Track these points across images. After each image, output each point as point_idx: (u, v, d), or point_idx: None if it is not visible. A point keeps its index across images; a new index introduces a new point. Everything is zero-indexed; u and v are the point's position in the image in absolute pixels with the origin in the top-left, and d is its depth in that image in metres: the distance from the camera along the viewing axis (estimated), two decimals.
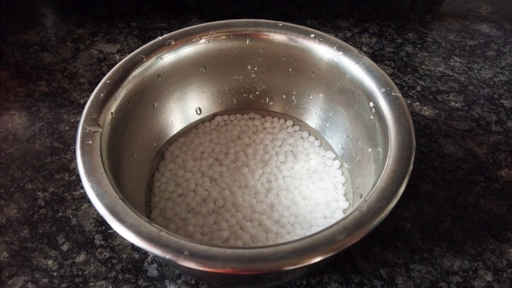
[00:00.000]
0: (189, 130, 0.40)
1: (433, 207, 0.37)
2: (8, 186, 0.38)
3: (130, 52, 0.34)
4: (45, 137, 0.41)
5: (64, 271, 0.33)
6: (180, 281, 0.32)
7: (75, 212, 0.36)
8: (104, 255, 0.33)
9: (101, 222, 0.35)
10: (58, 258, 0.33)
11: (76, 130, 0.30)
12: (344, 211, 0.34)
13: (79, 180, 0.37)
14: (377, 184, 0.26)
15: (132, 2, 0.57)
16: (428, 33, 0.54)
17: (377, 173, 0.29)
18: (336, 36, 0.53)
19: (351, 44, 0.35)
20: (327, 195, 0.35)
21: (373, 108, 0.31)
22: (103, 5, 0.56)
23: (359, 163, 0.34)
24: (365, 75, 0.32)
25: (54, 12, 0.56)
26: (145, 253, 0.34)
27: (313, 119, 0.39)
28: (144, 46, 0.34)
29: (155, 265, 0.33)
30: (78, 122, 0.30)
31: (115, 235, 0.35)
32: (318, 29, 0.47)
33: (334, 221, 0.27)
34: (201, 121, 0.40)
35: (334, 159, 0.37)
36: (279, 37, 0.36)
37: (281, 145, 0.39)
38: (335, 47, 0.34)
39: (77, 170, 0.28)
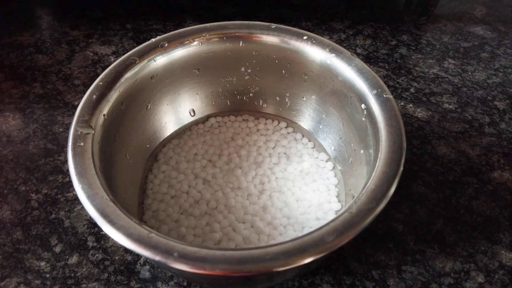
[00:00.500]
0: (183, 131, 0.40)
1: (425, 208, 0.37)
2: (1, 188, 0.38)
3: (125, 54, 0.34)
4: (39, 139, 0.41)
5: (56, 273, 0.33)
6: (172, 282, 0.32)
7: (68, 214, 0.36)
8: (97, 257, 0.34)
9: (94, 224, 0.35)
10: (51, 259, 0.33)
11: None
12: (337, 212, 0.34)
13: (72, 182, 0.37)
14: (367, 185, 0.26)
15: (128, 4, 0.57)
16: (422, 35, 0.54)
17: (368, 175, 0.29)
18: (331, 38, 0.53)
19: (345, 46, 0.35)
20: (320, 196, 0.35)
21: (365, 110, 0.31)
22: (98, 7, 0.56)
23: (351, 164, 0.35)
24: (357, 77, 0.32)
25: (49, 14, 0.56)
26: (137, 255, 0.34)
27: (306, 121, 0.39)
28: (137, 48, 0.35)
29: (147, 267, 0.33)
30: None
31: (107, 237, 0.35)
32: (312, 31, 0.48)
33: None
34: (195, 123, 0.40)
35: (327, 161, 0.37)
36: (272, 39, 0.36)
37: (274, 147, 0.39)
38: (328, 49, 0.34)
39: None
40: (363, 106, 0.32)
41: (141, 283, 0.32)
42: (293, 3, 0.58)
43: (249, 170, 0.37)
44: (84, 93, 0.31)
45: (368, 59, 0.50)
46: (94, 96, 0.31)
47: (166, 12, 0.56)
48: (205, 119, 0.41)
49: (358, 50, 0.51)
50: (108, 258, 0.33)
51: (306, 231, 0.33)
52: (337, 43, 0.35)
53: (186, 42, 0.35)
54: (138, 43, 0.35)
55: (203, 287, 0.32)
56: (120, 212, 0.25)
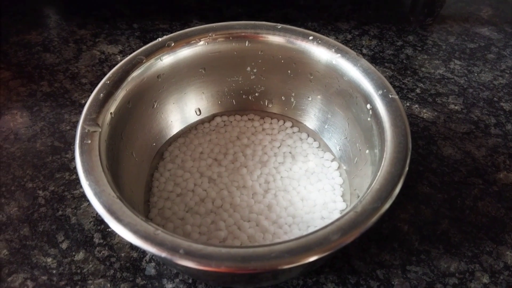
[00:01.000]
0: (189, 130, 0.40)
1: (430, 209, 0.37)
2: (9, 185, 0.38)
3: (132, 53, 0.35)
4: (46, 137, 0.42)
5: (63, 269, 0.33)
6: (177, 280, 0.32)
7: (75, 210, 0.36)
8: (103, 253, 0.34)
9: (100, 221, 0.36)
10: (57, 256, 0.34)
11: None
12: (342, 212, 0.34)
13: (79, 179, 0.37)
14: (372, 185, 0.26)
15: (135, 4, 0.57)
16: (428, 36, 0.54)
17: (374, 175, 0.29)
18: (337, 38, 0.53)
19: (351, 47, 0.35)
20: (325, 196, 0.35)
21: (370, 110, 0.32)
22: (105, 6, 0.57)
23: (356, 164, 0.35)
24: (363, 77, 0.32)
25: (57, 13, 0.56)
26: (143, 252, 0.34)
27: (311, 121, 0.39)
28: (144, 47, 0.35)
29: (153, 263, 0.33)
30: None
31: (113, 234, 0.35)
32: (318, 32, 0.48)
33: None
34: (201, 122, 0.40)
35: (332, 161, 0.37)
36: (277, 39, 0.36)
37: (279, 146, 0.39)
38: (333, 49, 0.34)
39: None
40: (368, 106, 0.32)
41: (147, 280, 0.32)
42: (299, 4, 0.58)
43: (254, 169, 0.37)
44: (91, 92, 0.32)
45: (374, 59, 0.50)
46: (101, 94, 0.31)
47: (172, 12, 0.56)
48: (211, 118, 0.41)
49: (364, 51, 0.51)
50: (114, 255, 0.34)
51: (311, 230, 0.33)
52: (343, 44, 0.35)
53: (193, 41, 0.36)
54: (145, 43, 0.36)
55: (208, 285, 0.32)
56: (127, 209, 0.25)
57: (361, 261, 0.33)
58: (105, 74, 0.33)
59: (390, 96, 0.31)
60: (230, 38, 0.37)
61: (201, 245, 0.24)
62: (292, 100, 0.40)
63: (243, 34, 0.37)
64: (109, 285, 0.32)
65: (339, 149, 0.37)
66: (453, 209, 0.37)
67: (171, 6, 0.57)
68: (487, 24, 0.56)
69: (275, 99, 0.40)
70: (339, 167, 0.37)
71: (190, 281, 0.32)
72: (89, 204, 0.37)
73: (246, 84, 0.40)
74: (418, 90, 0.47)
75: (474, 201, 0.37)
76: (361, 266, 0.33)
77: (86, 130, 0.29)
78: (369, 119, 0.32)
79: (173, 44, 0.35)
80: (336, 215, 0.34)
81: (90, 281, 0.32)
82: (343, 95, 0.35)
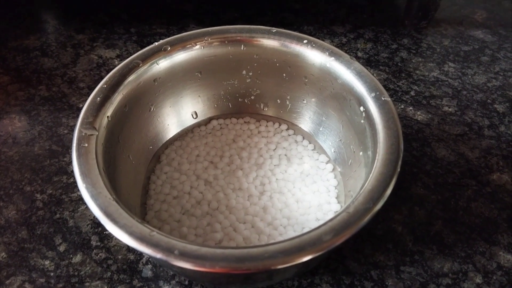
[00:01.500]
0: (185, 133, 0.40)
1: (424, 210, 0.37)
2: (7, 188, 0.38)
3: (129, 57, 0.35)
4: (44, 141, 0.42)
5: (60, 271, 0.33)
6: (174, 281, 0.33)
7: (72, 213, 0.37)
8: (100, 256, 0.34)
9: (98, 223, 0.36)
10: (55, 258, 0.34)
11: None
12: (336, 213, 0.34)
13: (76, 182, 0.38)
14: (364, 186, 0.27)
15: (132, 9, 0.58)
16: (423, 39, 0.54)
17: (366, 176, 0.29)
18: (332, 42, 0.53)
19: (346, 50, 0.36)
20: (320, 197, 0.35)
21: (364, 113, 0.32)
22: (103, 11, 0.57)
23: (351, 166, 0.35)
24: (356, 80, 0.33)
25: (55, 18, 0.57)
26: (140, 254, 0.34)
27: (306, 123, 0.40)
28: (140, 51, 0.35)
29: (149, 266, 0.34)
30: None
31: (111, 236, 0.35)
32: (314, 35, 0.48)
33: None
34: (197, 125, 0.41)
35: (327, 163, 0.38)
36: (272, 43, 0.37)
37: (275, 149, 0.39)
38: (327, 53, 0.35)
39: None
40: (361, 108, 0.32)
41: (143, 282, 0.33)
42: (295, 8, 0.58)
43: (250, 171, 0.37)
44: (89, 96, 0.32)
45: (369, 62, 0.51)
46: (98, 98, 0.32)
47: (169, 16, 0.57)
48: (207, 121, 0.41)
49: (359, 54, 0.52)
50: (111, 257, 0.34)
51: (305, 231, 0.33)
52: (338, 47, 0.36)
53: (189, 45, 0.36)
54: (142, 47, 0.36)
55: (204, 286, 0.33)
56: (123, 211, 0.26)
57: (356, 262, 0.34)
58: (102, 78, 0.33)
59: (382, 98, 0.31)
60: (226, 42, 0.37)
61: (196, 246, 0.24)
62: (288, 103, 0.40)
63: (239, 38, 0.37)
64: (106, 287, 0.32)
65: (334, 151, 0.38)
66: (446, 210, 0.37)
67: (168, 11, 0.58)
68: (481, 27, 0.56)
69: (271, 102, 0.41)
70: (333, 169, 0.37)
71: (187, 282, 0.33)
72: (87, 207, 0.37)
73: (242, 87, 0.40)
74: (412, 93, 0.47)
75: (467, 202, 0.38)
76: (356, 267, 0.34)
77: (83, 134, 0.30)
78: (362, 121, 0.32)
79: (169, 48, 0.36)
80: (331, 216, 0.34)
81: (87, 284, 0.33)
82: (337, 97, 0.36)
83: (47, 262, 0.34)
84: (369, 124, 0.31)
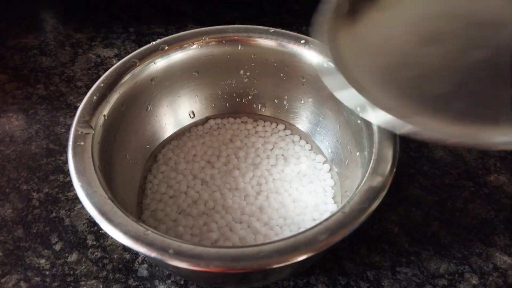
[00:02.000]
0: (182, 133, 0.40)
1: (421, 211, 0.37)
2: (3, 187, 0.38)
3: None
4: (41, 139, 0.42)
5: (56, 270, 0.33)
6: (169, 281, 0.33)
7: (69, 212, 0.37)
8: (96, 255, 0.34)
9: (94, 222, 0.36)
10: (51, 257, 0.34)
11: None
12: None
13: (72, 180, 0.38)
14: (360, 186, 0.27)
15: (131, 8, 0.58)
16: None
17: (362, 176, 0.29)
18: None
19: None
20: (316, 198, 0.35)
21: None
22: (102, 11, 0.57)
23: (347, 166, 0.35)
24: None
25: (54, 17, 0.57)
26: (135, 254, 0.34)
27: (304, 124, 0.40)
28: (137, 50, 0.35)
29: (145, 265, 0.34)
30: None
31: (106, 235, 0.35)
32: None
33: None
34: (194, 125, 0.41)
35: (324, 163, 0.38)
36: (270, 42, 0.37)
37: (272, 149, 0.39)
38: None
39: None
40: (358, 109, 0.32)
41: (139, 281, 0.33)
42: (295, 9, 0.58)
43: (247, 171, 0.37)
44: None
45: None
46: (95, 97, 0.32)
47: (169, 16, 0.57)
48: (204, 121, 0.41)
49: None
50: (107, 256, 0.34)
51: (301, 231, 0.33)
52: None
53: (186, 45, 0.36)
54: (141, 46, 0.36)
55: (200, 285, 0.33)
56: (118, 210, 0.26)
57: (351, 262, 0.34)
58: (100, 77, 0.33)
59: None
60: (223, 41, 0.37)
61: (191, 245, 0.24)
62: (285, 103, 0.40)
63: (236, 37, 0.37)
64: (101, 286, 0.32)
65: (331, 152, 0.38)
66: (443, 211, 0.37)
67: (167, 11, 0.58)
68: None
69: (268, 102, 0.41)
70: (330, 169, 0.37)
71: (182, 282, 0.33)
72: (83, 206, 0.36)
73: (240, 87, 0.40)
74: None
75: (464, 203, 0.38)
76: (351, 267, 0.33)
77: (79, 132, 0.30)
78: (359, 121, 0.32)
79: (166, 47, 0.36)
80: (327, 216, 0.34)
81: (82, 282, 0.33)
82: (334, 98, 0.35)
83: (42, 261, 0.34)
84: (366, 124, 0.31)
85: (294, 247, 0.24)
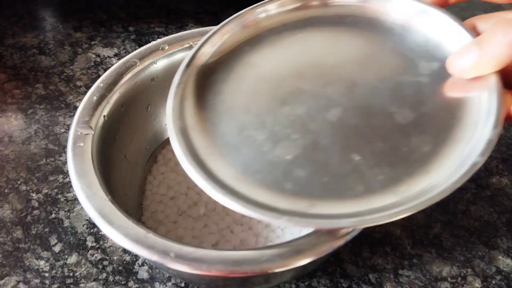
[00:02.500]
0: None
1: (423, 213, 0.37)
2: (2, 187, 0.38)
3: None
4: (40, 139, 0.42)
5: (55, 272, 0.33)
6: (170, 283, 0.32)
7: (68, 213, 0.36)
8: (96, 256, 0.34)
9: (93, 224, 0.36)
10: (50, 259, 0.34)
11: None
12: None
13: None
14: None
15: (131, 7, 0.57)
16: None
17: None
18: None
19: None
20: None
21: None
22: (102, 10, 0.57)
23: None
24: None
25: (53, 16, 0.57)
26: (136, 256, 0.34)
27: None
28: (138, 50, 0.35)
29: (145, 267, 0.33)
30: None
31: (106, 237, 0.35)
32: None
33: None
34: None
35: None
36: None
37: None
38: None
39: None
40: None
41: (139, 284, 0.32)
42: None
43: None
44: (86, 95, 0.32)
45: None
46: (95, 97, 0.31)
47: (168, 15, 0.56)
48: None
49: None
50: (107, 258, 0.34)
51: (303, 234, 0.33)
52: None
53: (186, 45, 0.36)
54: (140, 46, 0.36)
55: None
56: (118, 212, 0.25)
57: (354, 265, 0.33)
58: (100, 77, 0.33)
59: None
60: None
61: (192, 248, 0.24)
62: None
63: None
64: None
65: None
66: (445, 213, 0.37)
67: (167, 10, 0.57)
68: None
69: None
70: None
71: (183, 284, 0.32)
72: (82, 207, 0.36)
73: None
74: None
75: (466, 205, 0.37)
76: (354, 270, 0.33)
77: (79, 133, 0.29)
78: None
79: (167, 47, 0.35)
80: None
81: (82, 285, 0.32)
82: None
83: (42, 263, 0.33)
84: None
85: (297, 251, 0.24)
